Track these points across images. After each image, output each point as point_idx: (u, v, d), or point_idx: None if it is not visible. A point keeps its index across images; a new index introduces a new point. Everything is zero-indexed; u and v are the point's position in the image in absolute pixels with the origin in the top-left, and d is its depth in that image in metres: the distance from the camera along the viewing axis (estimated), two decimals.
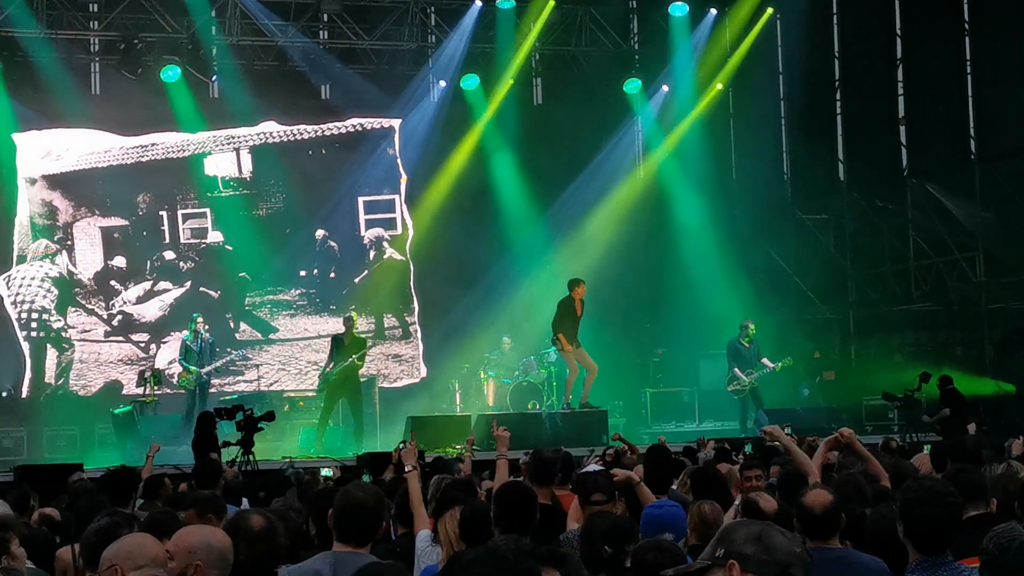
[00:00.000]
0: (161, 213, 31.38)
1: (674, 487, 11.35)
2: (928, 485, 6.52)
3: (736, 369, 27.18)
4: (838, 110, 33.05)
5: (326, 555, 7.15)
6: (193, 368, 26.63)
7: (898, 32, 31.12)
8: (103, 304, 30.79)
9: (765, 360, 27.18)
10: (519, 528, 7.86)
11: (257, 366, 31.18)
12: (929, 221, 29.48)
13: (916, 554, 6.34)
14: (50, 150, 30.40)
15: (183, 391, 27.34)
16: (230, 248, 31.47)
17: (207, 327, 27.41)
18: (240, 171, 31.78)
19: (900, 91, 31.10)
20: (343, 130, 32.36)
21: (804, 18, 32.24)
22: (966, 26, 29.27)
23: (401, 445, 15.40)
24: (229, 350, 28.80)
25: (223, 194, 31.68)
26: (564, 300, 25.55)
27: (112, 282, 30.86)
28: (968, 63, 29.28)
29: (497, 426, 12.05)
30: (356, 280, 32.40)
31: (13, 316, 29.92)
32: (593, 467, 10.21)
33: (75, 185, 30.76)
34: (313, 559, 7.19)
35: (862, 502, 8.69)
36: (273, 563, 7.35)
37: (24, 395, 29.61)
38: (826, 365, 31.48)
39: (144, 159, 31.07)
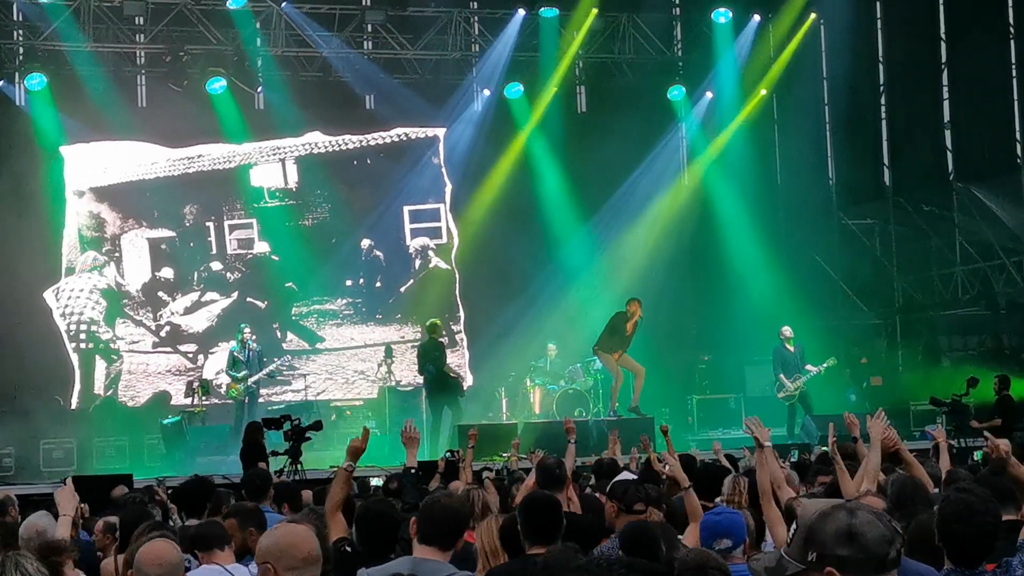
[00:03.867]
0: (208, 224, 31.54)
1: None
2: (968, 500, 6.47)
3: (782, 376, 27.04)
4: (883, 115, 32.96)
5: (406, 559, 7.20)
6: (241, 376, 26.75)
7: (942, 36, 31.03)
8: (151, 315, 30.97)
9: (809, 366, 27.05)
10: (547, 538, 7.88)
11: (304, 376, 31.26)
12: (975, 225, 29.37)
13: (949, 562, 6.33)
14: (97, 162, 30.60)
15: (231, 401, 27.45)
16: (276, 258, 31.60)
17: (254, 337, 27.54)
18: (286, 182, 31.90)
19: (945, 95, 31.00)
20: (388, 140, 32.45)
21: (848, 23, 32.15)
22: (1011, 29, 29.17)
23: (448, 454, 15.47)
24: (275, 359, 28.88)
25: (269, 205, 31.82)
26: (617, 315, 25.68)
27: (160, 293, 31.03)
28: (1013, 66, 29.19)
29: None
30: (402, 289, 32.48)
31: (62, 328, 30.12)
32: (627, 475, 10.21)
33: (122, 197, 30.94)
34: (393, 562, 7.24)
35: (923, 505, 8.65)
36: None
37: (73, 406, 29.78)
38: (873, 370, 31.34)
39: (191, 170, 31.24)
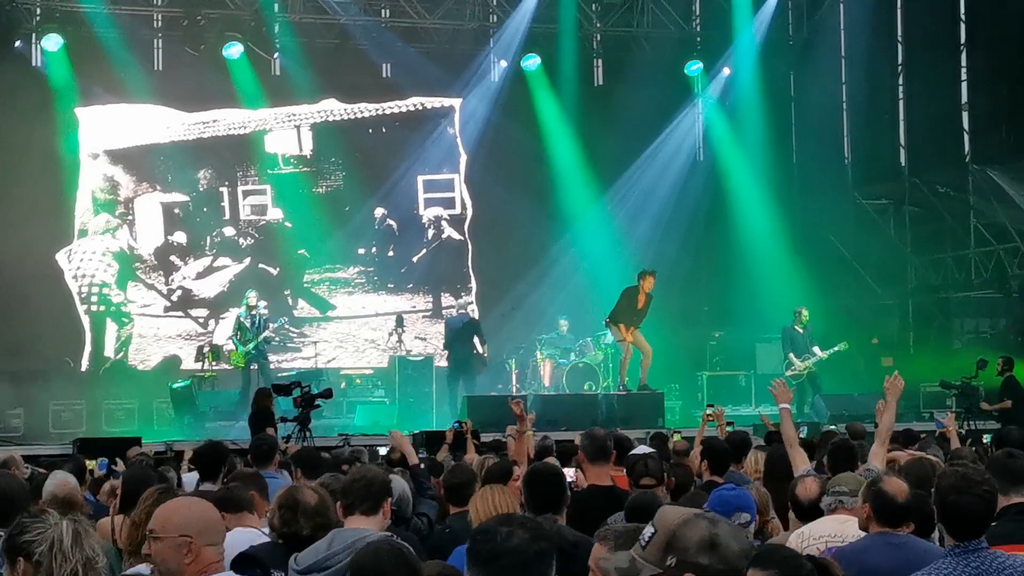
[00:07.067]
0: (221, 189, 31.54)
1: (735, 468, 11.42)
2: (963, 472, 6.48)
3: (791, 355, 27.01)
4: (900, 95, 32.80)
5: (330, 533, 7.13)
6: (244, 351, 26.52)
7: (962, 17, 30.86)
8: (163, 279, 30.98)
9: (815, 349, 26.96)
10: (551, 508, 7.87)
11: (315, 343, 31.31)
12: (990, 207, 29.26)
13: (951, 540, 6.33)
14: (112, 125, 30.56)
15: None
16: (289, 225, 31.60)
17: (265, 304, 27.46)
18: (300, 148, 31.89)
19: (963, 76, 30.85)
20: (403, 109, 32.40)
21: (868, 2, 32.03)
22: None
23: (456, 424, 15.47)
24: (269, 323, 28.15)
25: (283, 171, 31.82)
26: (629, 289, 25.51)
27: (172, 257, 31.04)
28: None
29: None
30: (414, 259, 32.47)
31: (74, 290, 30.15)
32: (643, 449, 10.22)
33: (137, 160, 30.94)
34: (319, 541, 7.14)
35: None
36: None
37: (84, 368, 29.85)
38: (884, 351, 31.27)
39: (205, 135, 31.23)
